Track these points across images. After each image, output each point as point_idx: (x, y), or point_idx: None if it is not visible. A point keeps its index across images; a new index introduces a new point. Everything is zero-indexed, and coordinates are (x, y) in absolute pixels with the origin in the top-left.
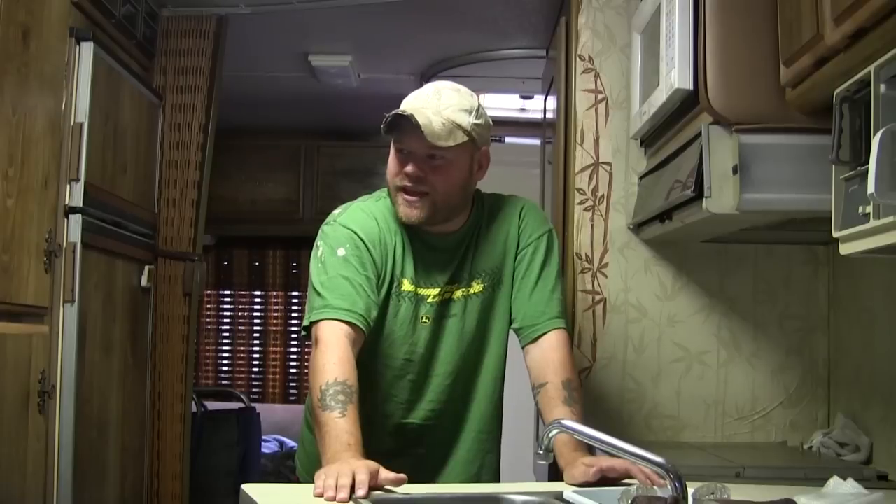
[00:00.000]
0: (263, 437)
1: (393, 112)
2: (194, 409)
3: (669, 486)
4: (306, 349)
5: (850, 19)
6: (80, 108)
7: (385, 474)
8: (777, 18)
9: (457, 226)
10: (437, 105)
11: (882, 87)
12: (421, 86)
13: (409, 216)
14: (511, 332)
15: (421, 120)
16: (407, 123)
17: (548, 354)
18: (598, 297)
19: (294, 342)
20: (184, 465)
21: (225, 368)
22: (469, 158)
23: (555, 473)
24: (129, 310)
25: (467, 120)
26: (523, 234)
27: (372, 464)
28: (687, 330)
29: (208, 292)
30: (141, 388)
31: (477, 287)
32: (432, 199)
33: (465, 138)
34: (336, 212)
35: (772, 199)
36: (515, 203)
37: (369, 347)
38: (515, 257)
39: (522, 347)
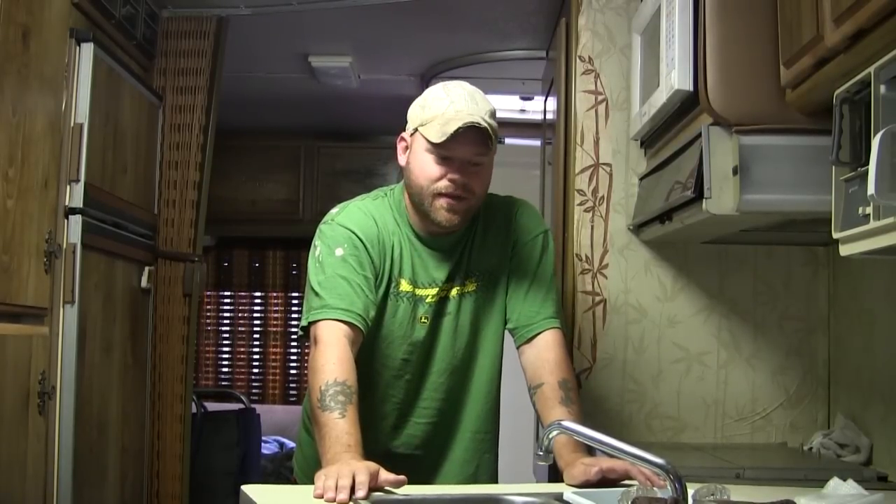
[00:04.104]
0: (263, 438)
1: (468, 122)
2: (194, 409)
3: (669, 487)
4: (306, 350)
5: (851, 20)
6: (80, 108)
7: (385, 475)
8: (777, 19)
9: None
10: (478, 110)
11: (882, 88)
12: (422, 87)
13: (452, 221)
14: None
15: (482, 126)
16: (465, 131)
17: (543, 354)
18: (598, 298)
19: (294, 343)
20: (184, 465)
21: (225, 369)
22: (493, 161)
23: (555, 474)
24: (128, 311)
25: (495, 124)
26: (519, 235)
27: (372, 465)
28: (687, 331)
29: (208, 293)
30: (141, 389)
31: (471, 286)
32: (469, 203)
33: (496, 142)
34: (333, 211)
35: (772, 200)
36: (511, 203)
37: (367, 348)
38: (511, 257)
39: (517, 348)
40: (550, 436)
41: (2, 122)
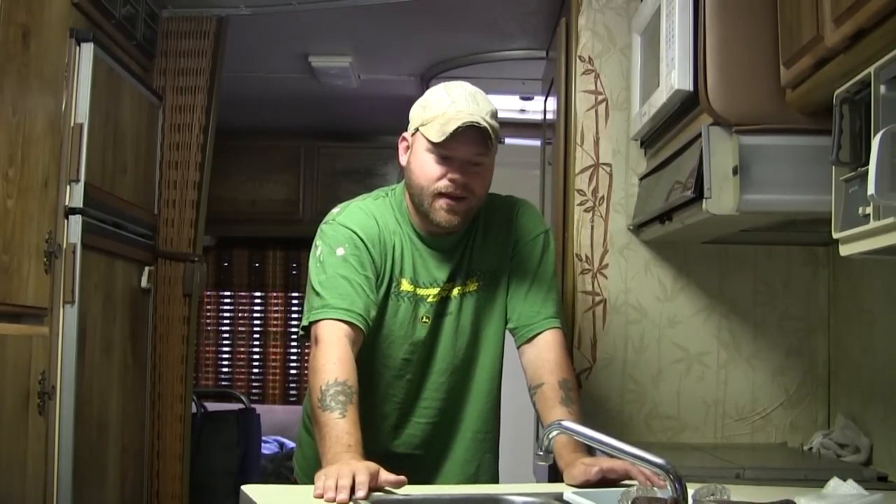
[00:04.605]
0: (263, 438)
1: (467, 122)
2: (194, 409)
3: (669, 487)
4: (306, 350)
5: (851, 20)
6: (80, 108)
7: (385, 475)
8: (777, 19)
9: None
10: (479, 110)
11: (882, 88)
12: (422, 87)
13: (452, 221)
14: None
15: (482, 126)
16: (465, 131)
17: (543, 354)
18: (598, 298)
19: (294, 343)
20: (184, 465)
21: (225, 369)
22: (493, 161)
23: (555, 474)
24: (128, 311)
25: (496, 124)
26: (519, 235)
27: (372, 465)
28: (687, 331)
29: (208, 293)
30: (141, 389)
31: (472, 286)
32: (469, 203)
33: (497, 143)
34: (334, 211)
35: (772, 201)
36: (512, 203)
37: (368, 348)
38: (511, 257)
39: (518, 347)
40: (550, 436)
41: (2, 122)
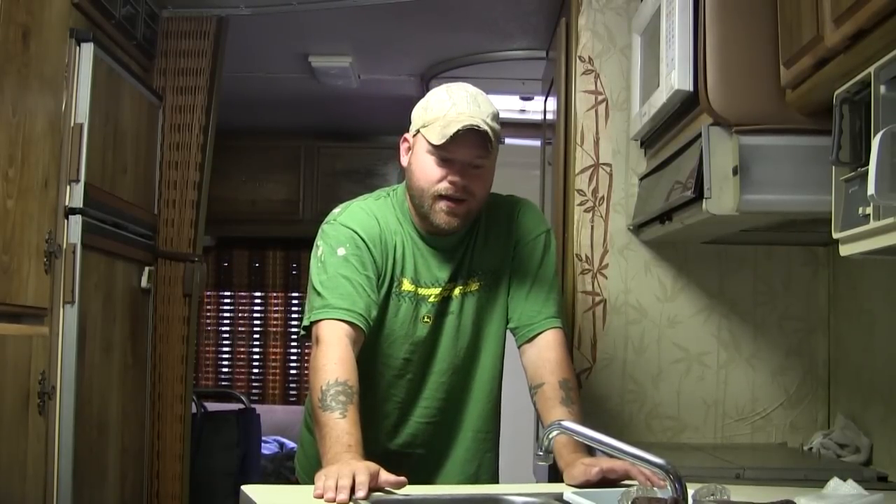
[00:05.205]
0: (263, 438)
1: (468, 125)
2: (194, 410)
3: (669, 487)
4: (306, 350)
5: (851, 20)
6: (80, 108)
7: (385, 476)
8: (777, 19)
9: None
10: (479, 112)
11: (882, 89)
12: (422, 87)
13: (451, 223)
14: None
15: (482, 129)
16: (465, 133)
17: (544, 354)
18: (598, 299)
19: (294, 343)
20: (184, 466)
21: (225, 369)
22: (494, 163)
23: (555, 474)
24: (128, 311)
25: (497, 126)
26: (521, 234)
27: (372, 465)
28: (687, 331)
29: (208, 293)
30: (141, 389)
31: (473, 286)
32: (469, 205)
33: (498, 144)
34: (336, 211)
35: (772, 201)
36: (513, 203)
37: (369, 347)
38: (513, 257)
39: (518, 347)
40: (550, 436)
41: (2, 122)
